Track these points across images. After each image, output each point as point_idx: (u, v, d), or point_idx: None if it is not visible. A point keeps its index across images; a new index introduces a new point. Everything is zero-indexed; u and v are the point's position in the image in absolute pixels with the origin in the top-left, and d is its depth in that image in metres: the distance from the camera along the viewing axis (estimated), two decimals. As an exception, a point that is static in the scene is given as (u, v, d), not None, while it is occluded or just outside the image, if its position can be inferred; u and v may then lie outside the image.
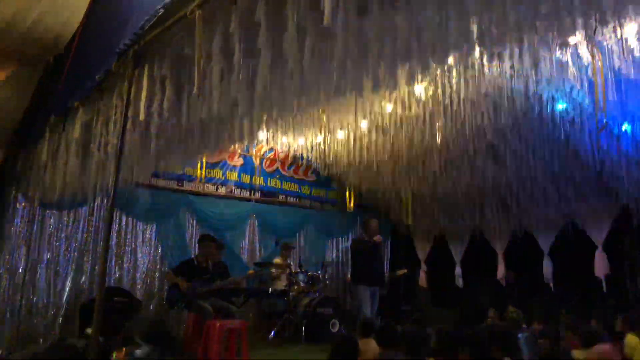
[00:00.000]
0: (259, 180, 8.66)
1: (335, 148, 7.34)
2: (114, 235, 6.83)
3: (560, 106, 5.45)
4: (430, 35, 2.55)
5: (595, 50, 4.13)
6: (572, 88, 4.94)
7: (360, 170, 7.83)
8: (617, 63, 4.29)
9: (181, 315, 6.66)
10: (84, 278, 6.65)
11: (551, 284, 8.23)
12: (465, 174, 7.31)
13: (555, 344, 4.78)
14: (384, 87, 2.90)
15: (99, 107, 3.92)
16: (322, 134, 6.90)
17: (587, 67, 4.54)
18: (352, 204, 9.66)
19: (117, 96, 3.62)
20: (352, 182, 9.23)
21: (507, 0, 2.34)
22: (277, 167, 9.03)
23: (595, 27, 2.73)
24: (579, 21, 2.52)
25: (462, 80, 4.67)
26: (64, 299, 6.45)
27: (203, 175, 7.94)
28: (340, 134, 6.80)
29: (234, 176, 8.41)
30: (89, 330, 4.90)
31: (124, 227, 7.16)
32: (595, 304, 7.32)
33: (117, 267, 6.99)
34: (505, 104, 5.30)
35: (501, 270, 8.94)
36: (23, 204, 6.33)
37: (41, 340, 6.11)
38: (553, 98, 5.29)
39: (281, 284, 7.59)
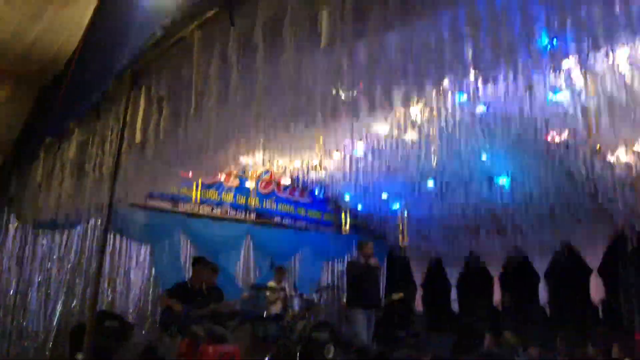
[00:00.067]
0: (254, 202, 8.64)
1: (331, 169, 7.35)
2: (107, 256, 6.76)
3: (554, 129, 5.49)
4: (425, 58, 2.58)
5: (588, 75, 4.18)
6: (565, 112, 4.99)
7: (356, 191, 7.83)
8: (609, 88, 4.35)
9: (174, 339, 6.55)
10: (75, 302, 6.55)
11: (547, 309, 8.18)
12: (460, 196, 7.33)
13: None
14: (379, 109, 2.92)
15: (95, 128, 3.92)
16: (319, 155, 6.91)
17: (580, 92, 4.60)
18: (347, 226, 9.64)
19: (114, 117, 3.62)
20: (347, 204, 9.22)
21: (501, 24, 2.38)
22: (273, 189, 9.02)
23: (588, 52, 2.78)
24: (572, 46, 2.55)
25: (457, 103, 4.71)
26: (55, 323, 6.34)
27: (198, 196, 7.92)
28: (337, 155, 6.82)
29: (229, 197, 8.39)
30: (79, 356, 4.82)
31: (117, 248, 7.09)
32: (592, 329, 7.27)
33: (109, 290, 6.89)
34: (500, 128, 5.34)
35: (497, 295, 8.89)
36: (15, 225, 6.28)
37: (31, 365, 6.00)
38: (547, 121, 5.33)
39: (276, 308, 7.50)
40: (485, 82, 3.01)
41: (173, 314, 5.81)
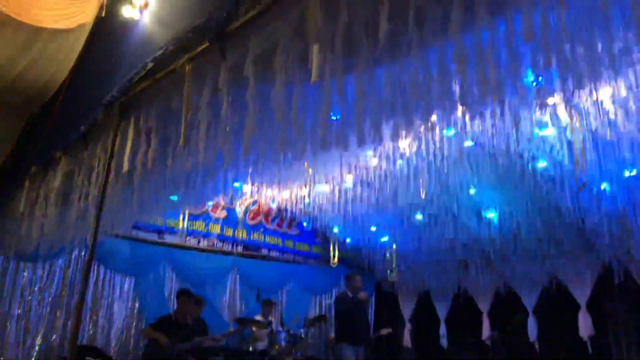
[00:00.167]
0: (241, 234, 8.55)
1: (320, 201, 7.33)
2: (90, 288, 6.61)
3: (541, 164, 5.56)
4: (414, 93, 2.62)
5: (573, 112, 4.27)
6: (551, 147, 5.07)
7: (345, 224, 7.81)
8: (593, 124, 4.44)
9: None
10: (54, 335, 6.36)
11: (536, 344, 8.10)
12: (449, 229, 7.33)
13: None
14: (369, 142, 2.94)
15: (82, 158, 3.89)
16: (307, 187, 6.91)
17: (565, 128, 4.69)
18: (336, 259, 9.55)
19: (102, 147, 3.60)
20: (336, 236, 9.17)
21: (488, 62, 2.43)
22: (261, 220, 8.95)
23: (573, 90, 2.84)
24: (557, 83, 2.61)
25: (444, 138, 4.77)
26: (34, 358, 6.13)
27: (185, 228, 7.82)
28: (326, 187, 6.81)
29: (216, 229, 8.30)
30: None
31: (101, 279, 6.94)
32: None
33: (91, 324, 6.71)
34: (487, 162, 5.41)
35: (486, 330, 8.79)
36: (-4, 255, 6.14)
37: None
38: (533, 157, 5.41)
39: (262, 343, 7.33)
40: (472, 117, 3.06)
41: (157, 347, 5.65)
